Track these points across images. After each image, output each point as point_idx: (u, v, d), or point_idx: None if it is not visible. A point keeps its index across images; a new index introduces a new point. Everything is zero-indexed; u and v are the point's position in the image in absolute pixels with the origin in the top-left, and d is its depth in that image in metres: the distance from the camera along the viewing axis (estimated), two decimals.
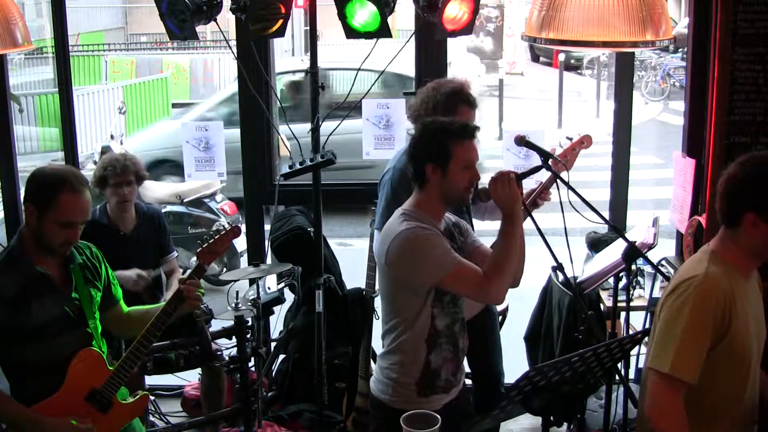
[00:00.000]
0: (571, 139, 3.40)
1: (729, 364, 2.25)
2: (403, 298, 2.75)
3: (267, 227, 4.60)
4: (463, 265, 2.65)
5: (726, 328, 2.20)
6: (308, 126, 3.69)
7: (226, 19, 3.57)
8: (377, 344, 3.93)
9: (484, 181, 2.84)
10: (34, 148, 11.11)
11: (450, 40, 3.86)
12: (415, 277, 2.67)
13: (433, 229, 2.70)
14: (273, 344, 4.43)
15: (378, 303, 3.71)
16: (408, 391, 2.75)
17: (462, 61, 13.55)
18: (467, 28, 3.27)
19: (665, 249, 4.14)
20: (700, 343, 2.18)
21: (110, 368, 2.71)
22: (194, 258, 2.84)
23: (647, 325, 3.84)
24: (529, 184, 3.40)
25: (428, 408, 2.68)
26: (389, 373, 2.79)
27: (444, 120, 2.87)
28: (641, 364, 3.85)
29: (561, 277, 2.99)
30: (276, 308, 3.98)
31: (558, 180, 2.84)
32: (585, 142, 3.39)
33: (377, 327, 3.86)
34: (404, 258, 2.66)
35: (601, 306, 4.01)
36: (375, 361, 3.86)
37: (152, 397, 3.80)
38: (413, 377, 2.75)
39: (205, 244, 2.80)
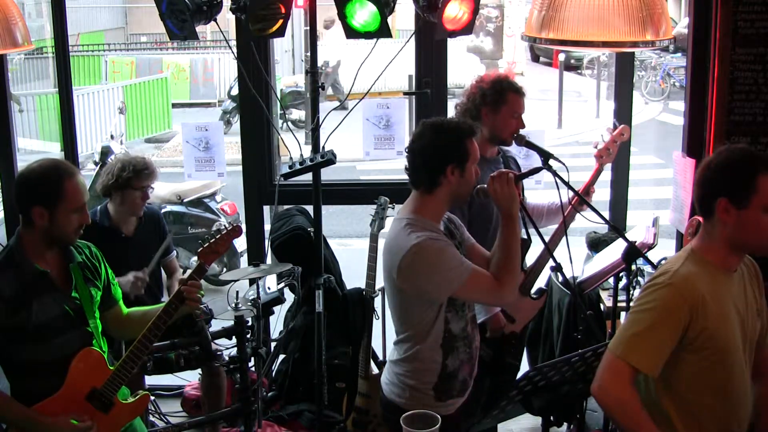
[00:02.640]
0: (611, 130, 3.44)
1: (708, 361, 2.26)
2: (416, 311, 2.68)
3: (267, 227, 4.61)
4: (476, 272, 2.60)
5: (697, 326, 2.21)
6: None
7: (226, 19, 3.57)
8: (377, 344, 3.95)
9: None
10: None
11: (450, 40, 3.86)
12: (430, 291, 2.61)
13: (442, 237, 2.65)
14: (273, 344, 4.42)
15: (378, 303, 3.72)
16: (425, 396, 2.70)
17: (462, 61, 13.57)
18: (467, 28, 3.26)
19: (665, 249, 4.14)
20: (659, 337, 2.21)
21: (111, 368, 2.70)
22: (195, 258, 2.84)
23: None
24: (529, 184, 3.41)
25: (444, 412, 2.65)
26: (405, 380, 2.74)
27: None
28: None
29: (560, 277, 3.00)
30: (276, 308, 3.98)
31: (558, 179, 2.84)
32: (624, 133, 3.44)
33: (377, 327, 3.88)
34: (418, 273, 2.58)
35: (601, 306, 4.00)
36: (375, 361, 3.87)
37: (152, 397, 3.79)
38: (430, 383, 2.70)
39: (206, 244, 2.79)
